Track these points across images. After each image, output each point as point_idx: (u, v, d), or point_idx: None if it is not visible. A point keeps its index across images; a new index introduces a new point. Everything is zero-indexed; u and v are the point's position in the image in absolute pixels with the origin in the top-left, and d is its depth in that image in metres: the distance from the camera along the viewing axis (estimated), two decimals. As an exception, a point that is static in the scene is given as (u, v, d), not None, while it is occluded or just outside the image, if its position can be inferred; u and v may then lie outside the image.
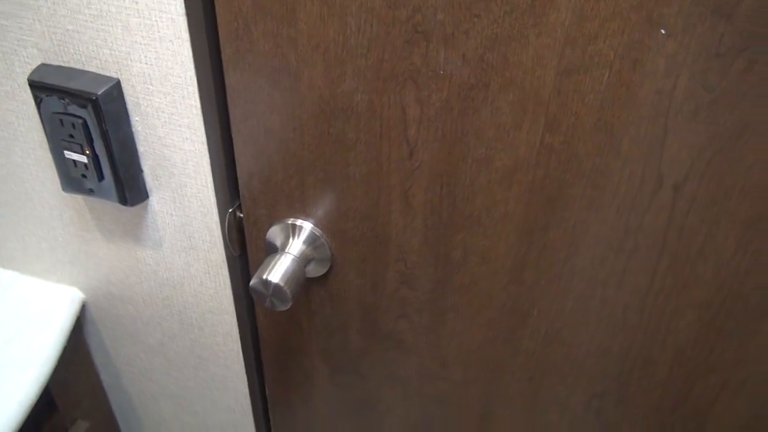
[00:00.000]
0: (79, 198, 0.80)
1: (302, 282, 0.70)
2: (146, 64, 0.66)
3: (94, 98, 0.66)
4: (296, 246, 0.72)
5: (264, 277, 0.67)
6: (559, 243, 0.62)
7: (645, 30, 0.48)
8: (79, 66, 0.68)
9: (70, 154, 0.72)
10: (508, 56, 0.53)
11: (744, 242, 0.55)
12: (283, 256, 0.69)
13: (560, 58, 0.52)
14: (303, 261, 0.71)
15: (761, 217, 0.54)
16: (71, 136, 0.70)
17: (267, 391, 0.95)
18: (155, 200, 0.77)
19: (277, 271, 0.68)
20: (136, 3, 0.62)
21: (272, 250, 0.74)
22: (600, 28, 0.49)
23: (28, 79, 0.68)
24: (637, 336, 0.65)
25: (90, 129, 0.69)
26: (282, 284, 0.67)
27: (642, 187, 0.56)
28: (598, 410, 0.73)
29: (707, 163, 0.53)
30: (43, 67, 0.69)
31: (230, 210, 0.75)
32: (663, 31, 0.48)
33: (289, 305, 0.68)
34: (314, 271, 0.75)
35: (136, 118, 0.70)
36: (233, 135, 0.68)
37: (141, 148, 0.73)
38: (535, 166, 0.58)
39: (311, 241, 0.72)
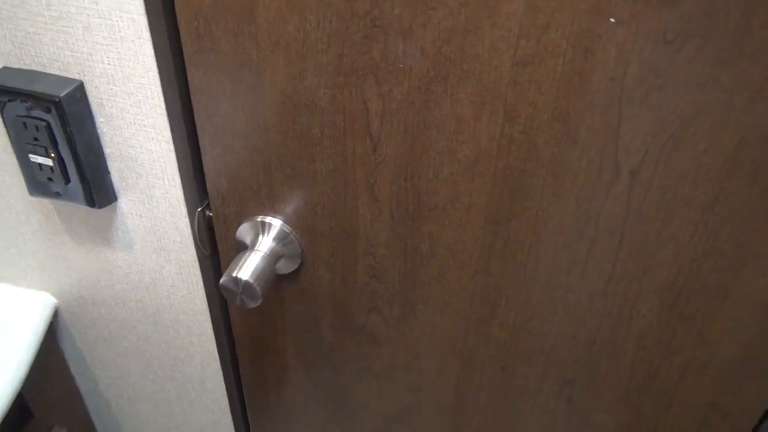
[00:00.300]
0: (46, 202, 0.80)
1: (272, 279, 0.70)
2: (109, 64, 0.66)
3: (56, 101, 0.66)
4: (266, 243, 0.72)
5: (233, 274, 0.67)
6: (522, 233, 0.63)
7: (594, 19, 0.49)
8: (41, 68, 0.68)
9: (35, 158, 0.71)
10: (465, 48, 0.54)
11: (700, 226, 0.57)
12: (252, 254, 0.70)
13: (515, 49, 0.53)
14: (273, 258, 0.71)
15: (715, 201, 0.55)
16: (36, 139, 0.69)
17: (244, 390, 0.95)
18: (124, 202, 0.76)
19: (246, 269, 0.68)
20: (96, 3, 0.62)
21: (243, 248, 0.74)
22: (551, 17, 0.50)
23: (-10, 83, 0.68)
24: (602, 322, 0.66)
25: (54, 132, 0.68)
26: (252, 281, 0.67)
27: (600, 175, 0.57)
28: (569, 397, 0.74)
29: (661, 149, 0.54)
30: (5, 70, 0.69)
31: (199, 209, 0.75)
32: (612, 20, 0.49)
33: (259, 302, 0.68)
34: (285, 267, 0.75)
35: (101, 120, 0.70)
36: (199, 134, 0.69)
37: (107, 150, 0.72)
38: (496, 157, 0.59)
39: (281, 237, 0.72)
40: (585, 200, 0.59)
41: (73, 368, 1.04)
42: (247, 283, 0.67)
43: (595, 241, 0.61)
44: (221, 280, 0.68)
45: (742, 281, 0.58)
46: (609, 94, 0.52)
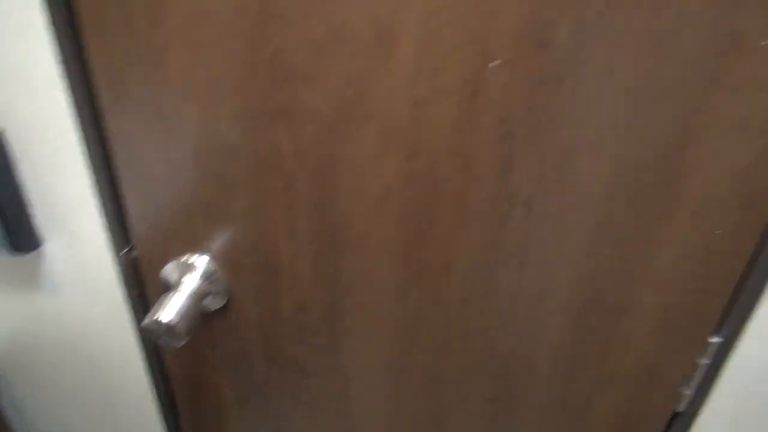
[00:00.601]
0: (-30, 250, 0.80)
1: (197, 317, 0.72)
2: (28, 114, 0.67)
3: (-26, 150, 0.67)
4: (191, 282, 0.73)
5: (154, 317, 0.68)
6: (433, 261, 0.66)
7: (479, 62, 0.53)
8: (-42, 119, 0.69)
9: (-45, 207, 0.71)
10: (364, 91, 0.57)
11: (590, 249, 0.61)
12: (175, 295, 0.71)
13: (411, 91, 0.56)
14: (198, 296, 0.73)
15: (599, 227, 0.59)
16: (-45, 189, 0.70)
17: (183, 427, 0.95)
18: (49, 247, 0.77)
19: (169, 310, 0.69)
20: (8, 55, 0.63)
21: (170, 288, 0.75)
22: (441, 62, 0.54)
23: None
24: (515, 342, 0.69)
25: (-27, 181, 0.69)
26: (173, 323, 0.68)
27: (497, 205, 0.60)
28: (494, 414, 0.77)
29: (549, 180, 0.58)
30: None
31: (124, 251, 0.76)
32: (494, 63, 0.53)
33: (183, 341, 0.69)
34: (213, 304, 0.76)
35: (23, 167, 0.71)
36: (119, 178, 0.70)
37: (30, 196, 0.73)
38: (402, 191, 0.62)
39: (207, 275, 0.74)
40: (487, 229, 0.62)
41: (11, 416, 1.03)
42: (168, 325, 0.68)
43: (499, 266, 0.64)
44: (143, 323, 0.69)
45: (635, 298, 0.62)
46: (498, 130, 0.56)
